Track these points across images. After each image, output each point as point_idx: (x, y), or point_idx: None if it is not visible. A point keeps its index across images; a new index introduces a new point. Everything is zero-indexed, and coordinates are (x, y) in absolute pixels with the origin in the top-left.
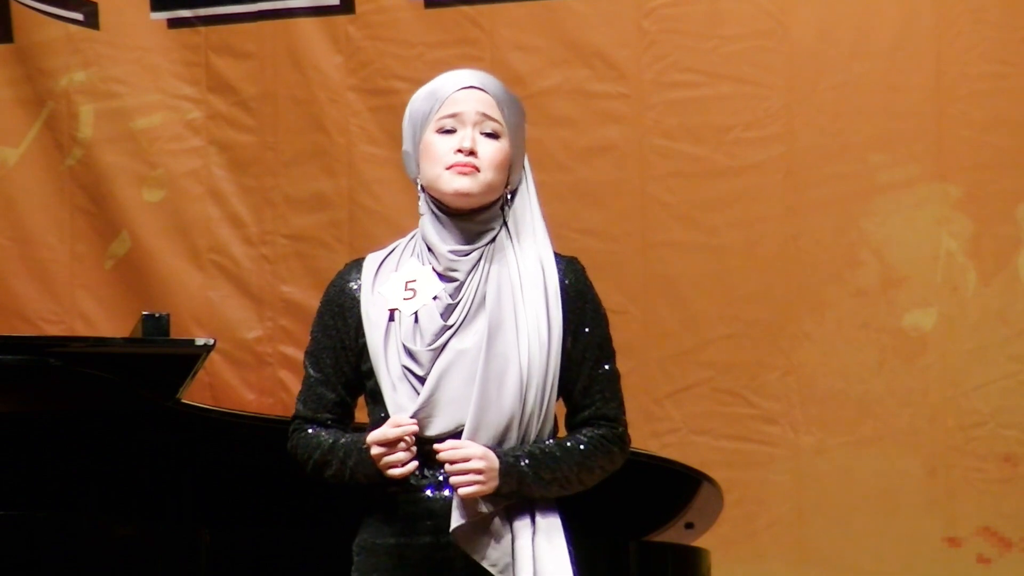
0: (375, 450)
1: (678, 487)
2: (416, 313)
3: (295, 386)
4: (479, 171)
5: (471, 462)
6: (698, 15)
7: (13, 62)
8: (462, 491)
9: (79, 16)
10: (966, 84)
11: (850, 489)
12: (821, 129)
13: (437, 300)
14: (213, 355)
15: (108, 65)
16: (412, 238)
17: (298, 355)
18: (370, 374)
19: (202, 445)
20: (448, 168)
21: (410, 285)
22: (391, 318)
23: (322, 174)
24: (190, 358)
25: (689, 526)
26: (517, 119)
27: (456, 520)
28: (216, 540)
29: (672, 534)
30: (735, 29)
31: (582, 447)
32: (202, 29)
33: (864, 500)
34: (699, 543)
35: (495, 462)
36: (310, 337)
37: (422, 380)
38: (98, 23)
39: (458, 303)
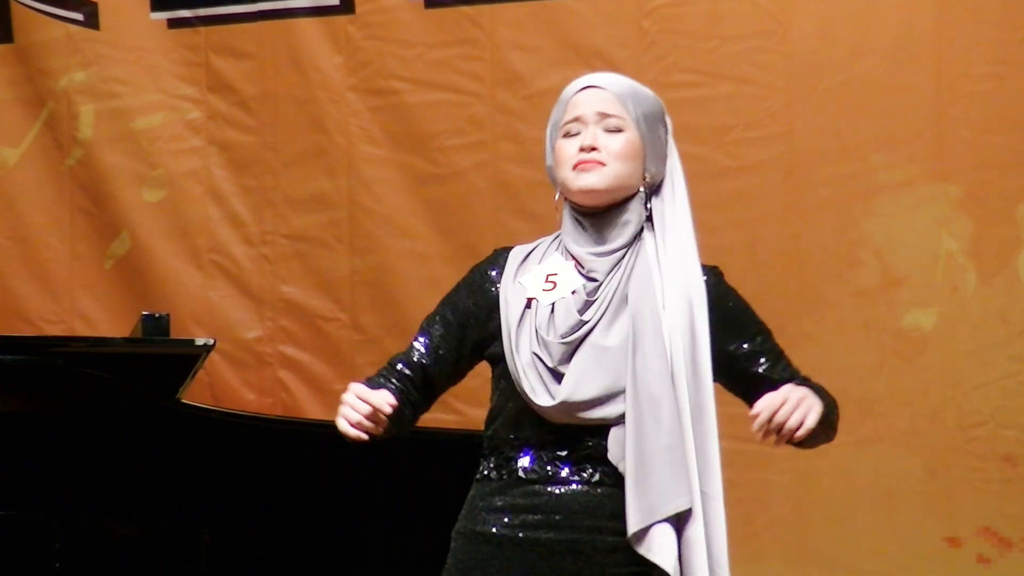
0: (347, 396)
1: None
2: (553, 305)
3: (295, 386)
4: (603, 165)
5: (785, 405)
6: (698, 15)
7: (13, 62)
8: (807, 423)
9: (79, 16)
10: (966, 84)
11: (850, 489)
12: (821, 129)
13: (575, 295)
14: (213, 355)
15: (108, 65)
16: (558, 235)
17: (298, 355)
18: (498, 359)
19: (202, 445)
20: (574, 168)
21: (551, 277)
22: (528, 306)
23: (322, 174)
24: (190, 358)
25: None
26: (647, 112)
27: (638, 522)
28: (216, 540)
29: None
30: (735, 29)
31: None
32: (202, 29)
33: (864, 500)
34: None
35: (797, 390)
36: (439, 304)
37: (551, 370)
38: (98, 23)
39: (595, 300)
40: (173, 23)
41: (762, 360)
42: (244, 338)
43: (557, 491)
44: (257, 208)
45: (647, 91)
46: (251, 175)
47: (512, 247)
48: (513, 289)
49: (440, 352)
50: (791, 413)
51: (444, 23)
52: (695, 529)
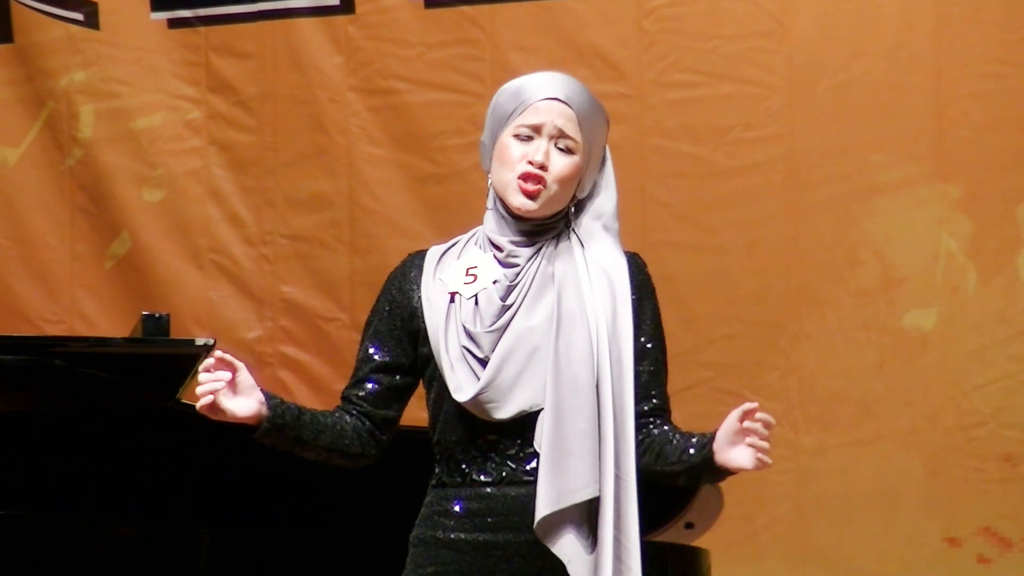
0: (201, 375)
1: (678, 487)
2: (476, 296)
3: (295, 386)
4: (545, 187)
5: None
6: (698, 15)
7: (13, 62)
8: (767, 460)
9: (79, 16)
10: (966, 84)
11: (850, 489)
12: (821, 129)
13: (497, 284)
14: None
15: (108, 65)
16: (474, 233)
17: (298, 355)
18: (428, 360)
19: (202, 445)
20: (519, 177)
21: (471, 271)
22: (451, 301)
23: (322, 174)
24: (190, 358)
25: (689, 526)
26: (597, 135)
27: (547, 506)
28: (216, 540)
29: (672, 534)
30: (735, 29)
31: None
32: (202, 29)
33: (864, 500)
34: (699, 543)
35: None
36: (364, 335)
37: (482, 362)
38: (98, 23)
39: (517, 284)
40: (173, 23)
41: (646, 363)
42: (244, 338)
43: (512, 492)
44: (257, 208)
45: (603, 111)
46: (251, 175)
47: (427, 249)
48: (434, 287)
49: (385, 360)
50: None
51: (444, 23)
52: (604, 516)
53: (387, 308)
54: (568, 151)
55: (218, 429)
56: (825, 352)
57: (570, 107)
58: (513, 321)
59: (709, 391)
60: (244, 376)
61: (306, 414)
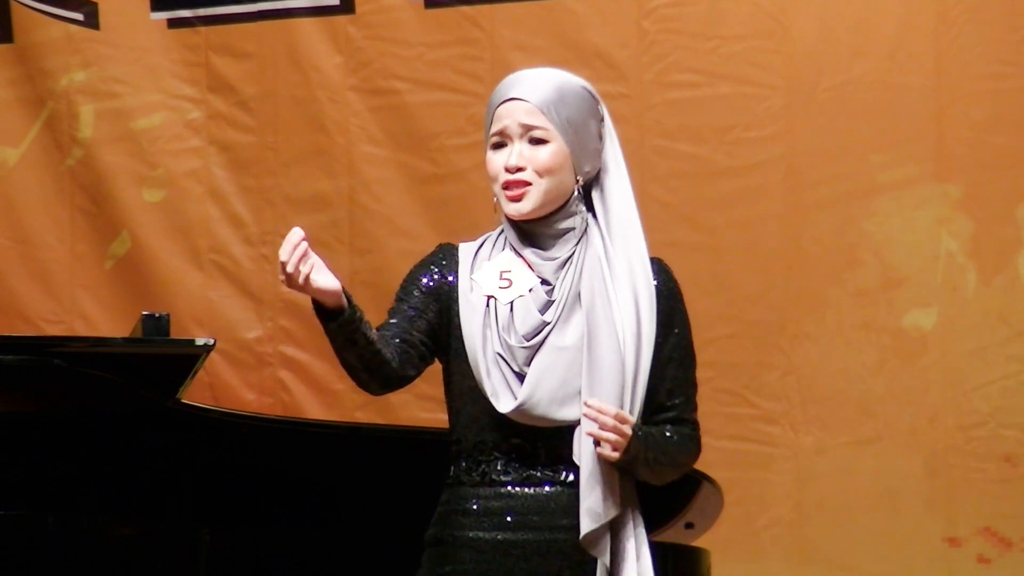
0: (283, 253)
1: (678, 487)
2: (512, 304)
3: (295, 386)
4: (530, 184)
5: (625, 426)
6: (698, 15)
7: (13, 62)
8: (605, 452)
9: (79, 16)
10: (966, 84)
11: (850, 489)
12: (821, 129)
13: (533, 292)
14: (213, 355)
15: (108, 65)
16: (503, 232)
17: (298, 355)
18: (458, 356)
19: (202, 445)
20: (504, 188)
21: (505, 275)
22: (486, 304)
23: (322, 174)
24: (190, 358)
25: (689, 526)
26: (573, 115)
27: (589, 524)
28: (216, 540)
29: (672, 534)
30: (735, 29)
31: (677, 438)
32: (202, 29)
33: (864, 500)
34: (699, 543)
35: (629, 432)
36: (395, 298)
37: (515, 373)
38: (98, 23)
39: (554, 300)
40: (173, 23)
41: (670, 370)
42: (244, 338)
43: (532, 492)
44: (257, 208)
45: (574, 87)
46: (251, 175)
47: (457, 244)
48: (471, 286)
49: (420, 321)
50: (609, 431)
51: (444, 23)
52: (626, 523)
53: (425, 282)
54: (541, 141)
55: (218, 429)
56: (825, 352)
57: (526, 101)
58: (549, 338)
59: (709, 391)
60: (319, 260)
61: (359, 311)
